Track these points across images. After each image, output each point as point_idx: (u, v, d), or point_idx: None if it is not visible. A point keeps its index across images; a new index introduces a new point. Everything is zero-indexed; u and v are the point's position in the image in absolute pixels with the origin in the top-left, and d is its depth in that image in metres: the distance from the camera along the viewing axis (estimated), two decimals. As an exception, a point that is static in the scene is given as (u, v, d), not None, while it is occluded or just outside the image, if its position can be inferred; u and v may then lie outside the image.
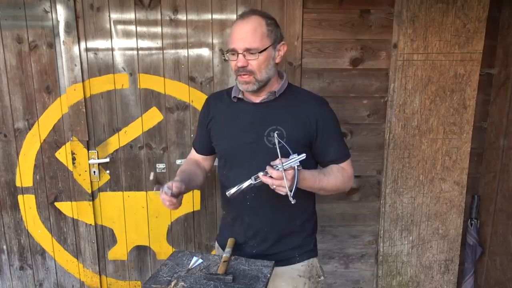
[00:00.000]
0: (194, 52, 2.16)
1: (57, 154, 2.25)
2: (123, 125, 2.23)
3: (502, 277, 2.26)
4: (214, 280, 1.28)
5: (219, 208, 2.33)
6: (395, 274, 2.42)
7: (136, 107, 2.21)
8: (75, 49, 2.10)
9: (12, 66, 2.13)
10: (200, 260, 1.41)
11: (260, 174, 1.25)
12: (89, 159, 2.24)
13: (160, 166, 2.28)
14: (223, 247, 1.55)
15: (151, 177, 2.13)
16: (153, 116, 2.23)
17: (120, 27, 2.12)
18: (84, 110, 2.17)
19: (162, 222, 2.36)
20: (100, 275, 2.41)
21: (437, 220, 2.35)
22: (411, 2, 2.06)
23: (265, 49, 1.38)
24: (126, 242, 2.38)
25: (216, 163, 1.74)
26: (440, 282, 2.45)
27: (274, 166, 1.23)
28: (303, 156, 1.24)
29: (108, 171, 2.28)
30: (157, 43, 2.14)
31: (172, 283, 1.27)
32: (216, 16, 2.12)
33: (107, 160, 2.25)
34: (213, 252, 1.83)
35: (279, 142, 1.28)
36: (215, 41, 2.14)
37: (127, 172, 2.28)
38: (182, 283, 1.27)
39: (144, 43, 2.14)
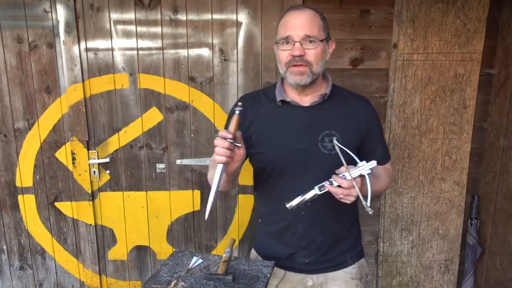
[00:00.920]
0: (194, 52, 2.16)
1: (57, 154, 2.25)
2: (123, 125, 2.23)
3: (502, 277, 2.25)
4: (214, 280, 1.28)
5: (219, 208, 2.32)
6: (395, 274, 2.42)
7: (136, 107, 2.21)
8: (75, 49, 2.10)
9: (12, 66, 2.14)
10: (200, 260, 1.40)
11: (326, 183, 1.19)
12: (89, 159, 2.24)
13: (160, 166, 2.28)
14: (265, 258, 1.48)
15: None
16: (153, 116, 2.23)
17: (120, 27, 2.12)
18: (84, 110, 2.17)
19: (162, 222, 2.36)
20: (100, 275, 2.41)
21: (437, 220, 2.35)
22: (411, 2, 2.06)
23: (323, 40, 1.29)
24: (126, 242, 2.38)
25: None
26: (440, 282, 2.45)
27: (341, 175, 1.17)
28: (373, 163, 1.18)
29: (108, 171, 2.28)
30: (157, 43, 2.14)
31: (172, 283, 1.27)
32: (216, 16, 2.12)
33: (107, 160, 2.25)
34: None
35: (340, 149, 1.20)
36: (215, 41, 2.14)
37: (127, 172, 2.28)
38: (182, 283, 1.27)
39: (144, 43, 2.14)
